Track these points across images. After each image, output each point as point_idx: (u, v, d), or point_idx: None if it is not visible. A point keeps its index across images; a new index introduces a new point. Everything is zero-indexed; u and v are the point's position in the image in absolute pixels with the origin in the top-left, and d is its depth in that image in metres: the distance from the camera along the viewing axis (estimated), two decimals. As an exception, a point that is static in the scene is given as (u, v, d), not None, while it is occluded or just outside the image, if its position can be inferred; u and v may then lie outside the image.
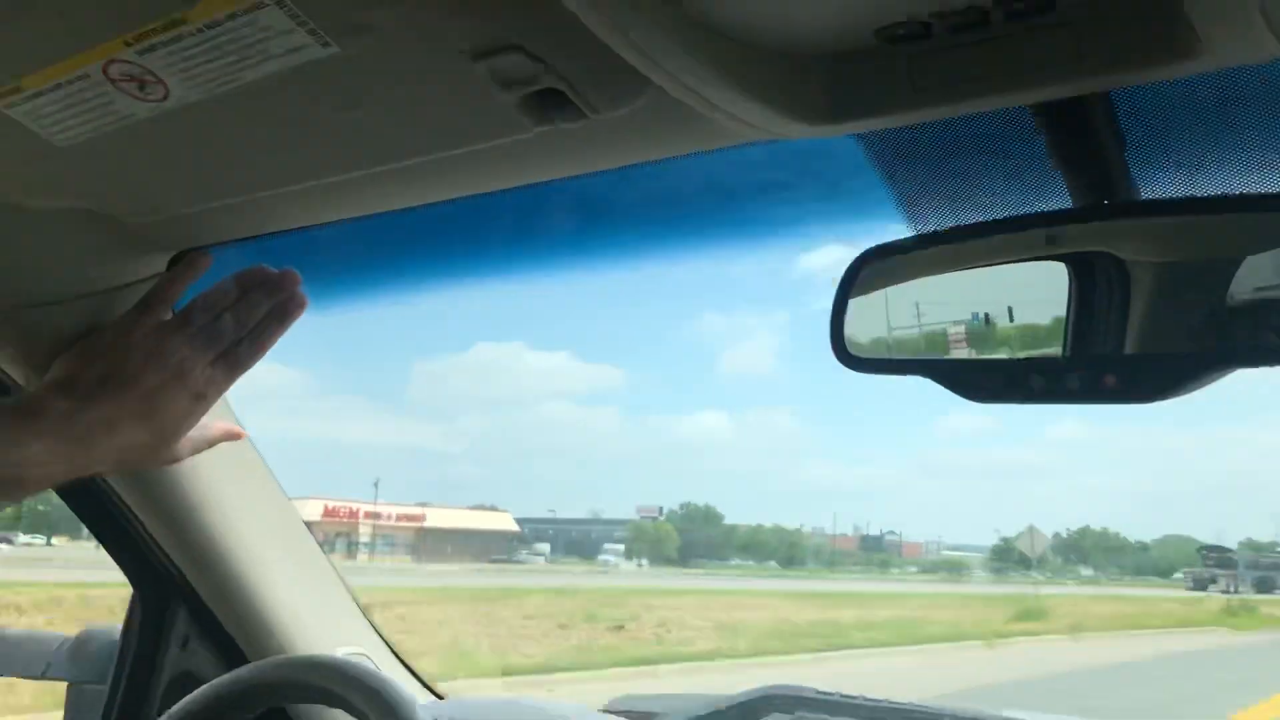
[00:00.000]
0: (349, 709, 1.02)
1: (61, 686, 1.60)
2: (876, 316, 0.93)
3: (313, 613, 1.57)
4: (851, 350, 0.93)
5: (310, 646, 1.53)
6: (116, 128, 0.90)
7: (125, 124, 0.89)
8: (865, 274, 0.92)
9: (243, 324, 1.11)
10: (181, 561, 1.48)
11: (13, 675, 1.61)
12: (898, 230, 0.94)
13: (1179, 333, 0.77)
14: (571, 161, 0.88)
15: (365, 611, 1.68)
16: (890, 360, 0.92)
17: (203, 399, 1.09)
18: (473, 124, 0.82)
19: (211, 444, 1.18)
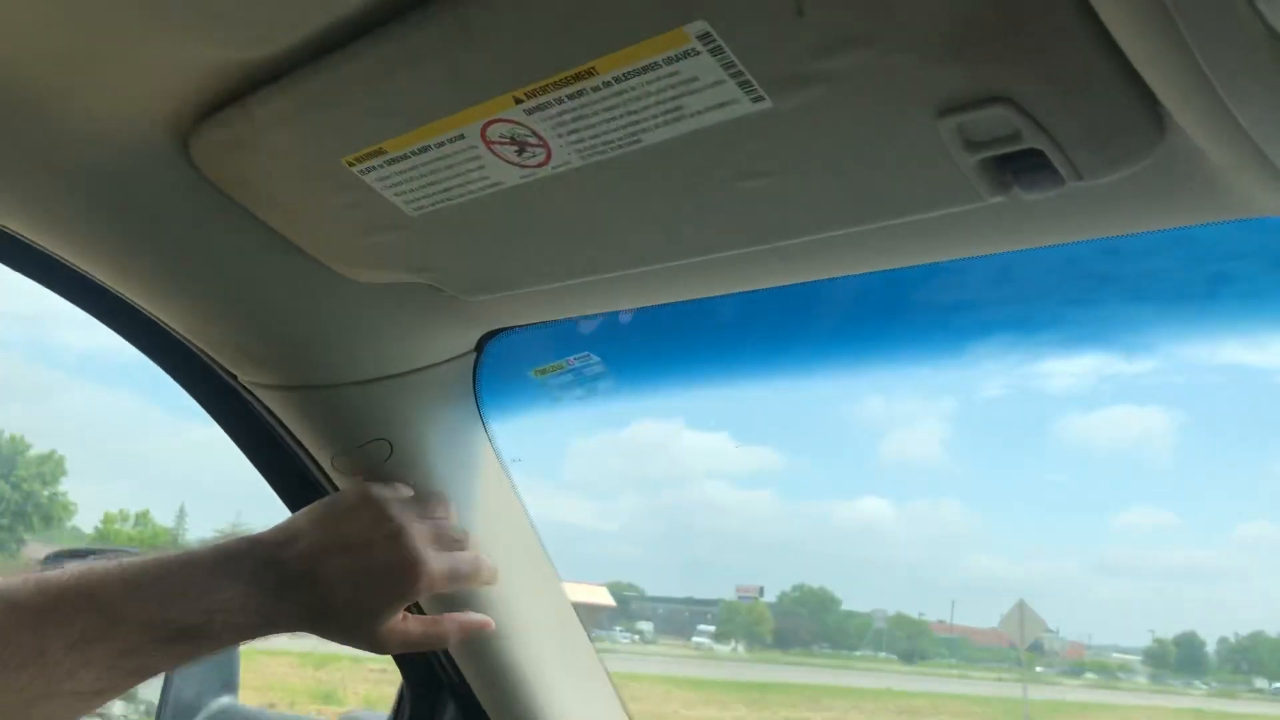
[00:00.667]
0: None
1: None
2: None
3: (582, 714, 1.45)
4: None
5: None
6: (477, 197, 0.81)
7: (488, 193, 0.80)
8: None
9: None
10: (459, 655, 1.38)
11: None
12: None
13: None
14: (1023, 236, 0.73)
15: (626, 706, 1.55)
16: None
17: (409, 591, 0.99)
18: (909, 193, 0.69)
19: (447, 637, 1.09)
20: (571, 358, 1.19)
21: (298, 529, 0.97)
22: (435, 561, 1.00)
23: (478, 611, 1.33)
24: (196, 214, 0.96)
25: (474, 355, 1.21)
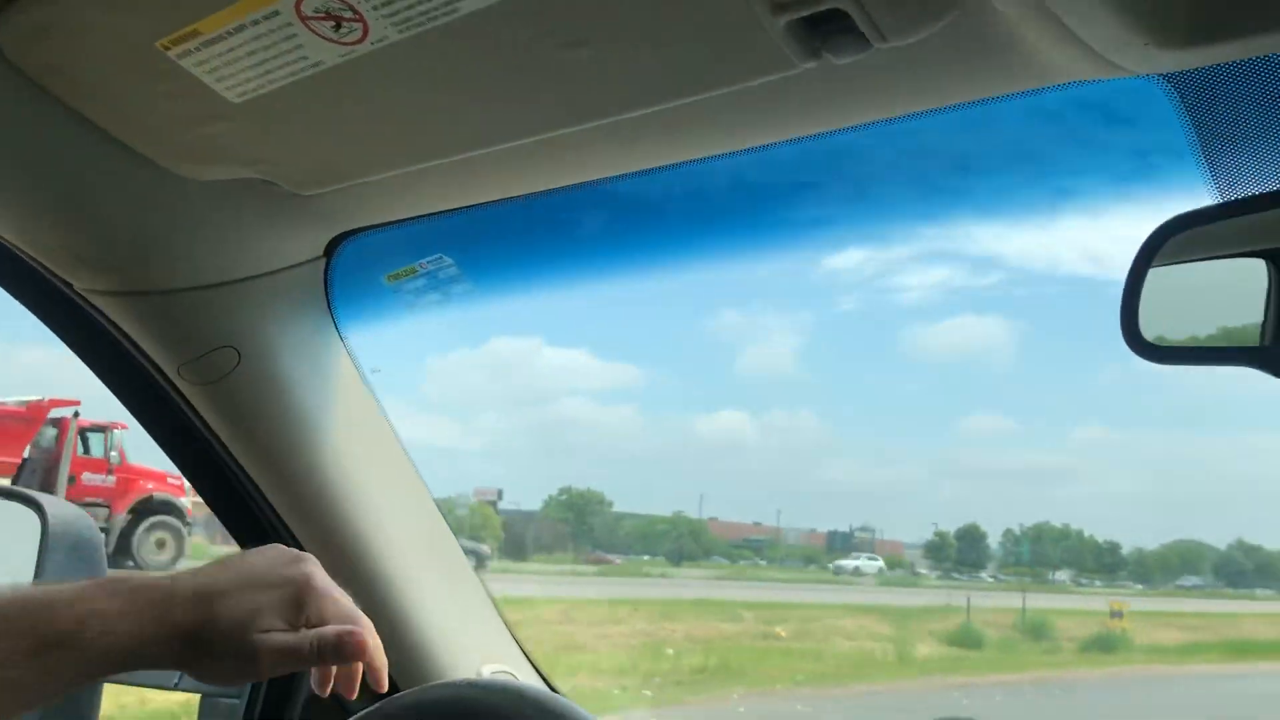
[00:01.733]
0: None
1: (195, 700, 1.51)
2: (1180, 298, 0.78)
3: (461, 629, 1.46)
4: (1148, 337, 0.78)
5: (456, 663, 1.42)
6: (298, 79, 0.79)
7: (309, 73, 0.79)
8: (1166, 249, 0.78)
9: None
10: (326, 564, 1.37)
11: (145, 686, 1.52)
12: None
13: None
14: (838, 109, 0.74)
15: (510, 627, 1.57)
16: (1199, 349, 0.77)
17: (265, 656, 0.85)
18: (723, 62, 0.69)
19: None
20: (424, 260, 1.18)
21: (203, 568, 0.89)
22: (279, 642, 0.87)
23: (344, 520, 1.32)
24: (12, 109, 0.92)
25: (324, 261, 1.19)
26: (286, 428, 1.22)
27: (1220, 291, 0.80)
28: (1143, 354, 0.78)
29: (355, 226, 1.14)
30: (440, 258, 1.17)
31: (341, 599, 0.90)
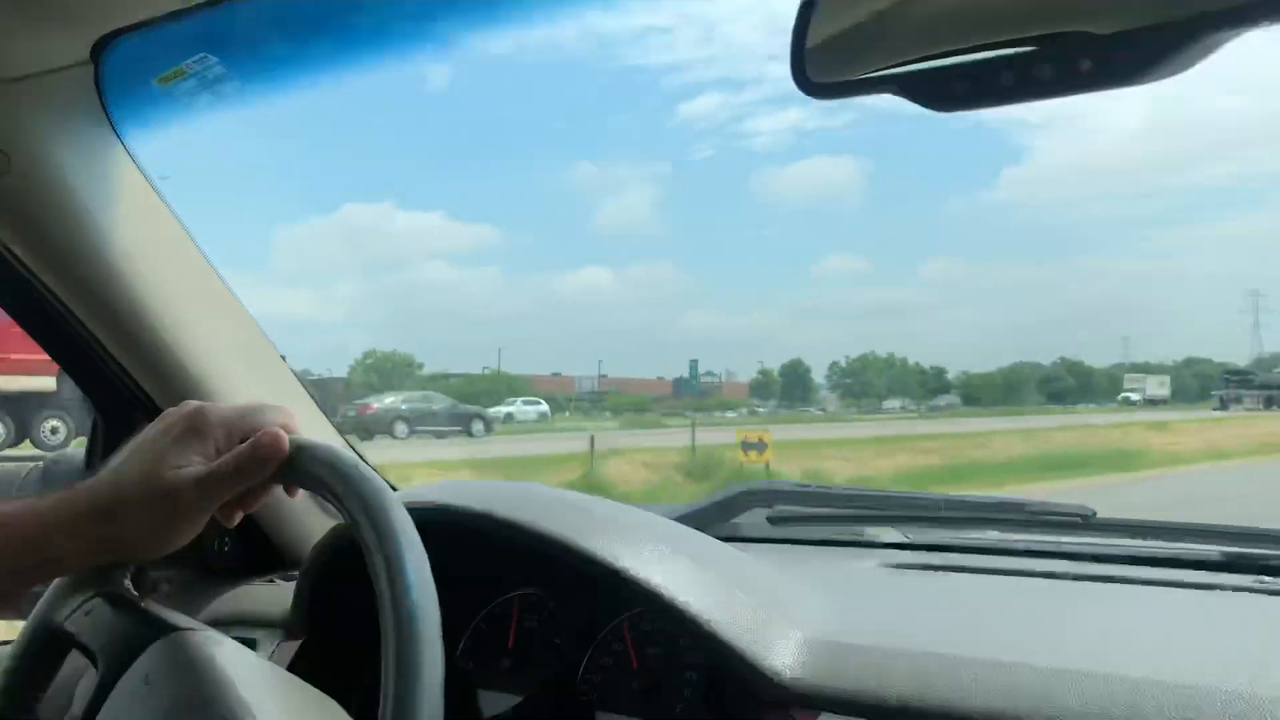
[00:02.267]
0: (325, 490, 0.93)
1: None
2: (843, 31, 0.87)
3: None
4: (813, 76, 0.87)
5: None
6: None
7: None
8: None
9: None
10: (145, 379, 1.42)
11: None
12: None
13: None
14: None
15: (322, 407, 1.65)
16: (856, 81, 0.87)
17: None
18: None
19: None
20: (189, 61, 1.20)
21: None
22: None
23: (152, 327, 1.37)
24: None
25: (91, 66, 1.20)
26: (71, 234, 1.25)
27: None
28: (810, 92, 0.87)
29: (119, 26, 1.16)
30: (205, 57, 1.20)
31: (238, 409, 0.87)
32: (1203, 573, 1.21)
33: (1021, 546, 1.38)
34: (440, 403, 27.35)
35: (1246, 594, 1.12)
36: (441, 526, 0.95)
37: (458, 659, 1.26)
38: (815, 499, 1.59)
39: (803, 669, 0.95)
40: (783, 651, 0.96)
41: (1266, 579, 1.16)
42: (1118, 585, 1.20)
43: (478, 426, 26.30)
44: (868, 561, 1.36)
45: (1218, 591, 1.13)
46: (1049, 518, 1.38)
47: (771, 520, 1.55)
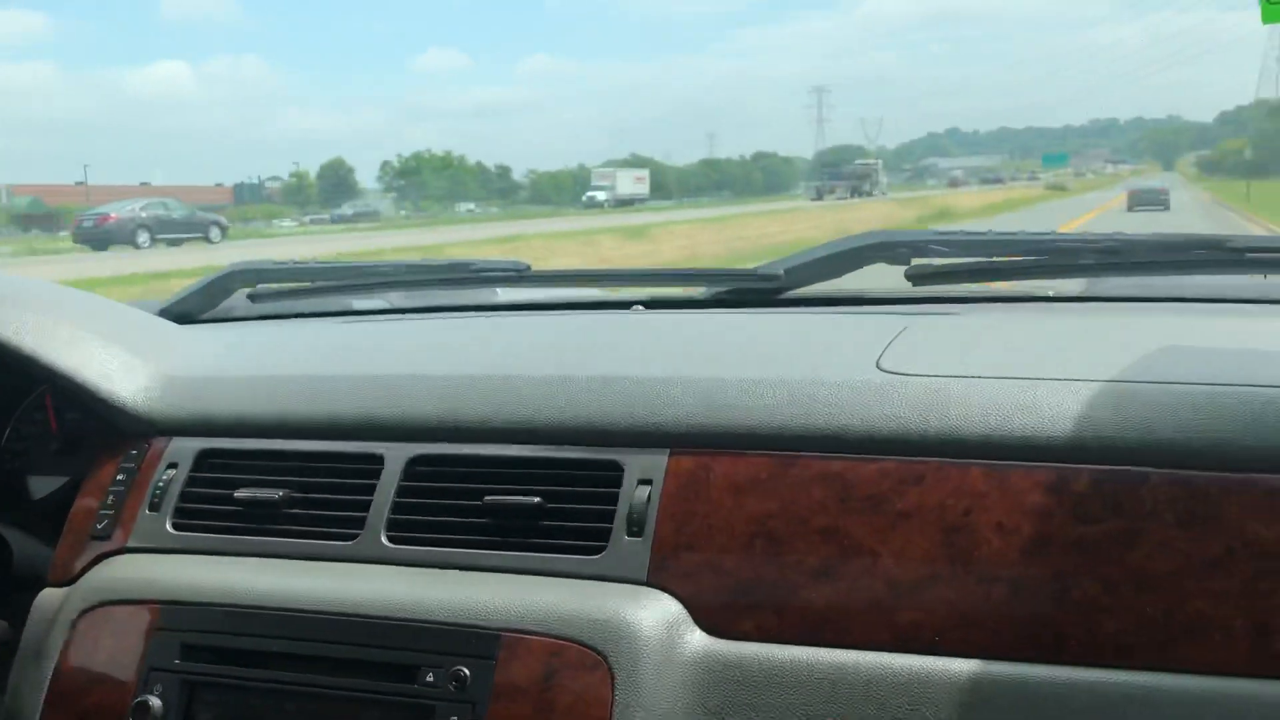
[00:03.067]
0: None
1: None
2: None
3: None
4: None
5: None
6: None
7: None
8: None
9: None
10: None
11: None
12: None
13: None
14: None
15: None
16: None
17: None
18: None
19: None
20: None
21: None
22: None
23: None
24: None
25: None
26: None
27: None
28: None
29: None
30: None
31: None
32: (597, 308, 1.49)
33: (471, 301, 1.61)
34: (179, 210, 27.80)
35: (632, 315, 1.43)
36: None
37: None
38: (298, 274, 1.71)
39: (154, 400, 1.12)
40: (132, 387, 1.13)
41: (641, 309, 1.47)
42: (541, 317, 1.46)
43: (215, 233, 27.36)
44: (326, 324, 1.53)
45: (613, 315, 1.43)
46: (491, 274, 1.60)
47: (251, 298, 1.66)
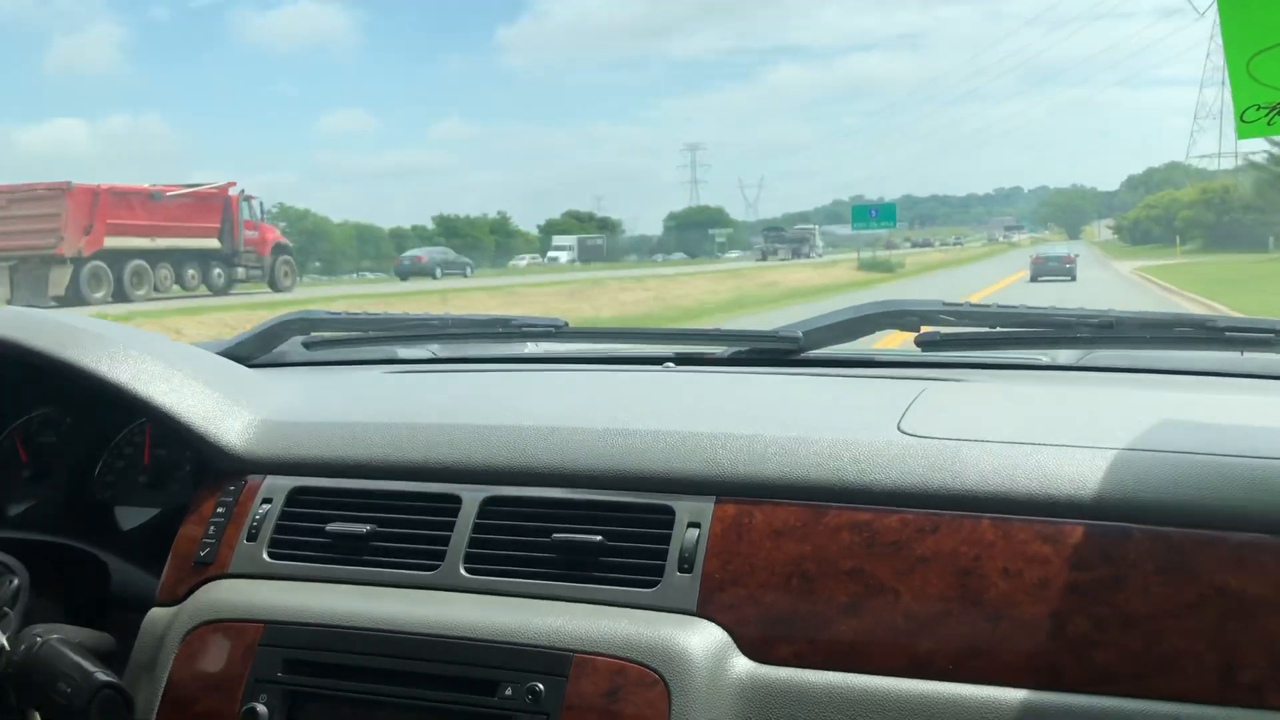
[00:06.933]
0: None
1: None
2: None
3: None
4: None
5: None
6: None
7: None
8: None
9: None
10: None
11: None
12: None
13: None
14: None
15: None
16: None
17: None
18: None
19: None
20: None
21: None
22: None
23: None
24: None
25: None
26: None
27: None
28: None
29: None
30: None
31: None
32: (641, 364, 1.64)
33: (507, 354, 1.75)
34: (450, 254, 38.04)
35: (665, 373, 1.56)
36: None
37: None
38: (349, 324, 1.85)
39: (251, 443, 1.26)
40: (232, 430, 1.27)
41: (673, 365, 1.61)
42: (579, 372, 1.60)
43: (469, 269, 37.96)
44: (377, 371, 1.68)
45: (648, 372, 1.56)
46: (532, 329, 1.74)
47: (306, 345, 1.80)
